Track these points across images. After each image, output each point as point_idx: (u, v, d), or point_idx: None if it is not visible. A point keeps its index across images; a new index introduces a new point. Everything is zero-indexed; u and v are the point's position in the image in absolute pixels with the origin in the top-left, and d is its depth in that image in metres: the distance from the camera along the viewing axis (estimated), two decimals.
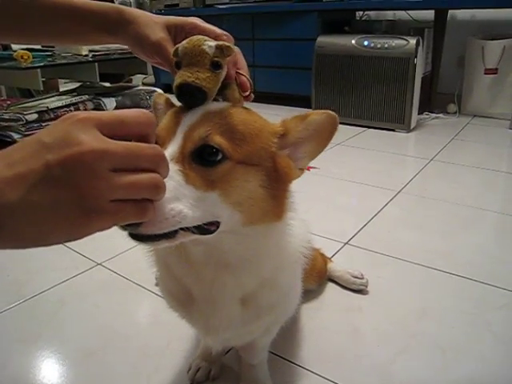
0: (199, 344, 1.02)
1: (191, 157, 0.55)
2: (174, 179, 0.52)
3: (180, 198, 0.52)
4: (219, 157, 0.55)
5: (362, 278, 1.29)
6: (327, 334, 1.12)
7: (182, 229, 0.53)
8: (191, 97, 0.58)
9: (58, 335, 1.13)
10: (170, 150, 0.54)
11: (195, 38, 0.59)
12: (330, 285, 1.32)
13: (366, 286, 1.29)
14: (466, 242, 1.55)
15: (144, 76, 4.82)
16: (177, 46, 0.60)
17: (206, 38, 0.60)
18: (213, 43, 0.59)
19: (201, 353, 0.99)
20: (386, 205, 1.84)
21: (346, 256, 1.46)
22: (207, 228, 0.57)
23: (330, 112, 0.63)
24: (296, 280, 0.81)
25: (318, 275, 1.22)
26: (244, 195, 0.58)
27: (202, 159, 0.55)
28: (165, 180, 0.47)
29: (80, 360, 1.04)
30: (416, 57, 2.82)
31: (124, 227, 0.50)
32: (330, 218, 1.73)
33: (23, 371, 1.02)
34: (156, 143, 0.53)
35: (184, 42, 0.59)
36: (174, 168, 0.52)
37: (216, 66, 0.58)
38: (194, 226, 0.55)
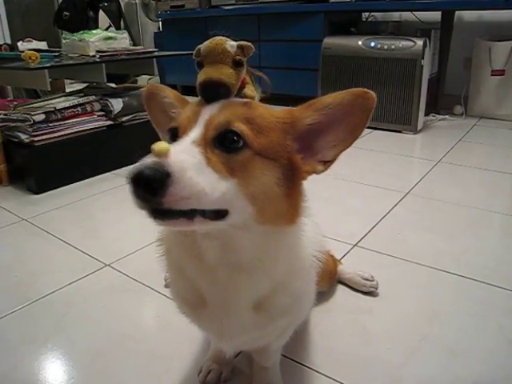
0: (209, 346, 1.02)
1: (213, 142, 0.56)
2: (196, 158, 0.53)
3: (201, 176, 0.52)
4: (240, 144, 0.56)
5: (373, 280, 1.29)
6: (337, 336, 1.11)
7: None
8: (215, 92, 0.60)
9: (66, 337, 1.13)
10: (193, 135, 0.56)
11: (217, 38, 0.60)
12: (340, 287, 1.32)
13: (376, 288, 1.28)
14: (474, 244, 1.54)
15: (149, 77, 4.83)
16: (199, 46, 0.61)
17: (227, 38, 0.60)
18: (234, 43, 0.60)
19: (211, 355, 0.99)
20: (394, 207, 1.83)
21: (355, 258, 1.46)
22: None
23: (356, 89, 0.60)
24: (309, 284, 0.81)
25: (329, 277, 1.21)
26: (260, 188, 0.58)
27: (224, 145, 0.56)
28: (188, 157, 0.51)
29: (89, 362, 1.04)
30: (423, 58, 2.81)
31: (146, 204, 0.51)
32: (339, 219, 1.73)
33: (32, 373, 1.01)
34: (178, 132, 0.58)
35: (206, 42, 0.60)
36: (195, 149, 0.54)
37: (238, 64, 0.60)
38: (210, 211, 0.55)
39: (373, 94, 0.60)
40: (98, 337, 1.12)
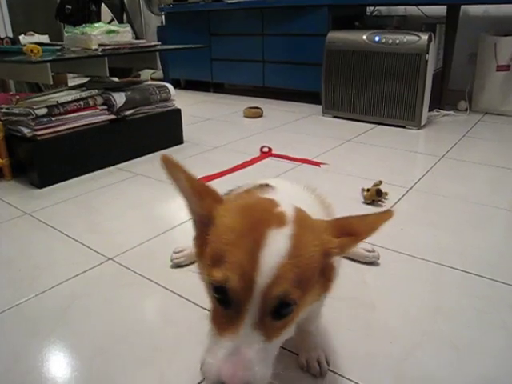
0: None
1: (268, 314, 0.56)
2: (262, 353, 0.55)
3: (266, 362, 0.56)
4: (292, 308, 0.57)
5: (374, 252, 1.39)
6: (339, 330, 1.11)
7: None
8: None
9: (69, 330, 1.13)
10: (251, 315, 0.55)
11: None
12: (342, 281, 1.31)
13: (378, 259, 1.39)
14: (478, 240, 1.53)
15: (152, 71, 4.83)
16: None
17: None
18: None
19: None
20: (398, 202, 1.82)
21: None
22: None
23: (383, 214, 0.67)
24: None
25: None
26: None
27: (276, 314, 0.56)
28: (259, 361, 0.54)
29: (93, 355, 1.04)
30: (428, 53, 2.79)
31: None
32: (341, 214, 1.72)
33: (35, 366, 1.01)
34: (231, 294, 0.55)
35: None
36: (256, 335, 0.55)
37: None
38: None
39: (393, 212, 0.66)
40: (101, 330, 1.13)
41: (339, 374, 0.97)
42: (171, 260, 1.38)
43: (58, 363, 1.02)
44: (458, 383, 0.95)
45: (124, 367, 1.01)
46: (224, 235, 0.58)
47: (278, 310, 0.56)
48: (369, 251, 1.39)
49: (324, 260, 0.62)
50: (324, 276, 0.63)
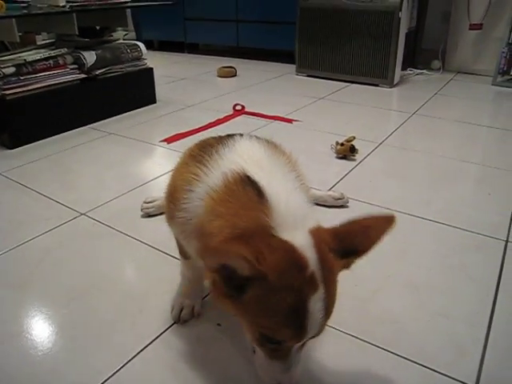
0: (180, 283, 1.05)
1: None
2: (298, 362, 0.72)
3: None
4: None
5: (344, 198, 1.47)
6: None
7: None
8: None
9: (43, 281, 1.15)
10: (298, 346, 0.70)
11: None
12: None
13: (347, 202, 1.48)
14: (445, 191, 1.58)
15: (125, 33, 4.72)
16: None
17: None
18: None
19: (182, 291, 1.02)
20: (368, 156, 1.86)
21: None
22: None
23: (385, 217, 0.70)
24: None
25: None
26: None
27: None
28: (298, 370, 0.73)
29: (66, 303, 1.06)
30: (401, 10, 2.79)
31: None
32: (312, 168, 1.74)
33: (11, 315, 1.03)
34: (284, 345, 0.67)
35: None
36: (299, 355, 0.72)
37: None
38: None
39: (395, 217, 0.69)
40: (75, 279, 1.15)
41: None
42: (141, 209, 1.41)
43: (33, 312, 1.04)
44: (417, 321, 1.00)
45: (97, 314, 1.03)
46: (276, 302, 0.61)
47: None
48: (339, 198, 1.47)
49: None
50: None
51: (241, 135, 0.86)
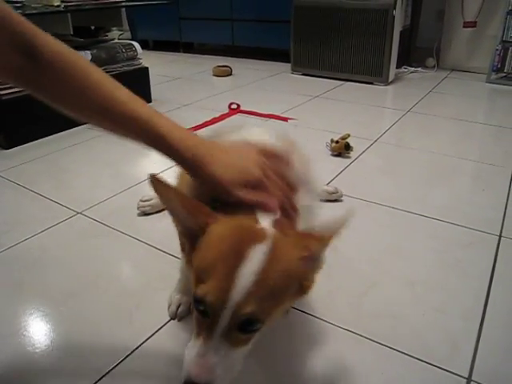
0: (178, 279, 1.05)
1: (235, 329, 0.60)
2: (228, 359, 0.60)
3: (232, 369, 0.62)
4: (258, 326, 0.61)
5: (337, 192, 1.50)
6: None
7: None
8: None
9: (40, 279, 1.15)
10: (221, 327, 0.59)
11: None
12: None
13: (342, 196, 1.51)
14: (440, 187, 1.59)
15: (120, 32, 4.71)
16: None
17: None
18: None
19: (179, 287, 1.02)
20: (363, 153, 1.87)
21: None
22: None
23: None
24: None
25: None
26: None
27: (243, 329, 0.60)
28: (222, 365, 0.60)
29: (63, 301, 1.07)
30: (395, 8, 2.80)
31: None
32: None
33: (8, 314, 1.04)
34: (208, 308, 0.60)
35: None
36: (222, 344, 0.60)
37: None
38: None
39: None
40: (71, 278, 1.15)
41: (301, 311, 1.03)
42: (138, 208, 1.42)
43: (29, 309, 1.05)
44: (413, 316, 1.01)
45: (94, 311, 1.04)
46: (210, 253, 0.63)
47: (245, 327, 0.60)
48: (333, 192, 1.50)
49: (300, 272, 0.65)
50: (301, 285, 0.66)
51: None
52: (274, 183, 0.73)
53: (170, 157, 0.72)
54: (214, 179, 0.70)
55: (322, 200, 1.48)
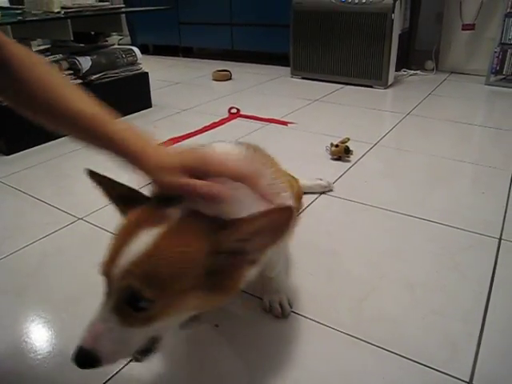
0: None
1: (123, 303, 0.61)
2: (115, 331, 0.62)
3: (122, 343, 0.63)
4: (147, 304, 0.60)
5: (329, 186, 1.60)
6: (302, 275, 1.16)
7: None
8: None
9: (42, 285, 1.16)
10: (110, 300, 0.62)
11: None
12: (307, 230, 1.36)
13: (332, 189, 1.61)
14: (439, 190, 1.60)
15: (120, 37, 4.73)
16: None
17: None
18: None
19: None
20: (363, 156, 1.88)
21: (323, 204, 1.51)
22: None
23: (273, 209, 0.63)
24: None
25: (298, 199, 1.32)
26: (183, 315, 0.67)
27: (131, 305, 0.61)
28: (108, 336, 0.62)
29: (65, 306, 1.07)
30: (393, 12, 2.81)
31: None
32: (308, 169, 1.76)
33: (10, 320, 1.04)
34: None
35: None
36: (111, 317, 0.62)
37: None
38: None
39: (288, 208, 0.62)
40: (73, 284, 1.16)
41: (302, 315, 1.03)
42: None
43: (31, 315, 1.05)
44: (412, 319, 1.02)
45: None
46: (113, 237, 0.66)
47: (132, 302, 0.60)
48: (325, 186, 1.59)
49: (212, 262, 0.62)
50: (220, 279, 0.64)
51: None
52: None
53: (110, 148, 0.73)
54: (156, 164, 0.67)
55: (315, 192, 1.58)
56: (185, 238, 0.62)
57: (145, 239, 0.60)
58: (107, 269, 0.62)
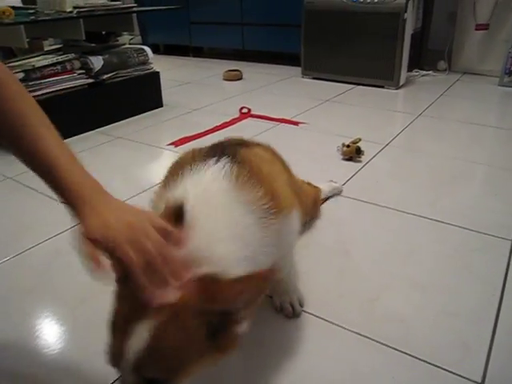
0: None
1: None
2: None
3: None
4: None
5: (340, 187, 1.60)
6: (314, 275, 1.16)
7: None
8: None
9: (54, 283, 1.17)
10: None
11: None
12: (319, 228, 1.36)
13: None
14: (451, 192, 1.59)
15: (131, 37, 4.75)
16: None
17: None
18: None
19: None
20: (374, 157, 1.87)
21: (335, 205, 1.51)
22: None
23: (254, 274, 0.64)
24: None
25: (313, 205, 1.34)
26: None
27: None
28: None
29: (76, 305, 1.08)
30: (406, 12, 2.79)
31: None
32: (319, 169, 1.76)
33: (23, 317, 1.05)
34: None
35: None
36: None
37: None
38: None
39: (267, 272, 0.65)
40: (84, 282, 1.14)
41: (313, 314, 1.03)
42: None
43: (46, 314, 1.06)
44: (423, 319, 1.01)
45: (107, 314, 1.05)
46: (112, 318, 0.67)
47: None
48: (341, 190, 1.59)
49: (208, 329, 0.63)
50: (218, 340, 0.64)
51: (218, 159, 0.81)
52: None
53: (58, 190, 0.71)
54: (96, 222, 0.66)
55: (331, 196, 1.56)
56: (181, 321, 0.61)
57: (145, 329, 0.60)
58: (116, 363, 0.63)
